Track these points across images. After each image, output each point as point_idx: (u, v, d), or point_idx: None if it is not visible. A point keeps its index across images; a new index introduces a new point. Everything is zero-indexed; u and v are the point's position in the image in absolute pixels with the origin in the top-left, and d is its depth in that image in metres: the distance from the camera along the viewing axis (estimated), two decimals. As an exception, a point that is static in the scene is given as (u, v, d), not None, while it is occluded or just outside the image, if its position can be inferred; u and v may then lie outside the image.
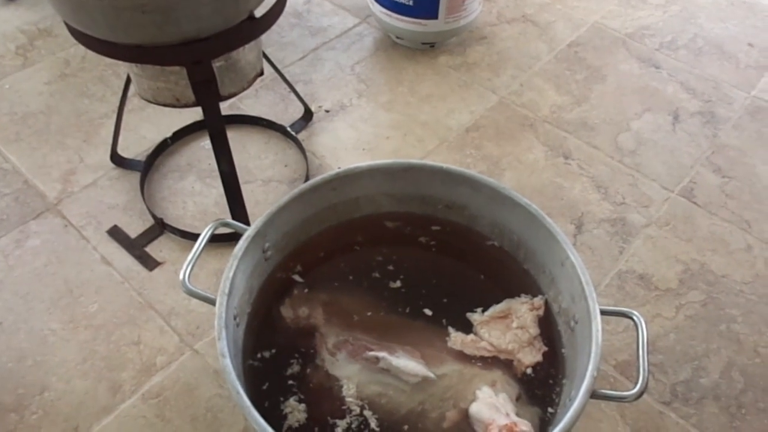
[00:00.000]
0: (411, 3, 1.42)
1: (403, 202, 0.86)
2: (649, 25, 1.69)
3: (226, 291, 0.67)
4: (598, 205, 1.27)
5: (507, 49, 1.60)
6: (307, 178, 1.26)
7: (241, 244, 0.71)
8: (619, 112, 1.46)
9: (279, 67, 1.47)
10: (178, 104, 0.99)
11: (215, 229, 0.73)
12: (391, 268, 0.83)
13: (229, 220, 0.76)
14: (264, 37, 1.01)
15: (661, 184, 1.31)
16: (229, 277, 0.68)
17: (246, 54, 0.98)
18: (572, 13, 1.71)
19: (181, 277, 0.69)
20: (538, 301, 0.79)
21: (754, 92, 1.53)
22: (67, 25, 0.88)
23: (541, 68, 1.55)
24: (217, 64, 0.93)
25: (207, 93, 0.94)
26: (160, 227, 1.18)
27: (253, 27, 0.90)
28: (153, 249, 1.16)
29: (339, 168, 0.88)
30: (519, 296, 0.81)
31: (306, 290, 0.81)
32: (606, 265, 1.17)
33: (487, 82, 1.51)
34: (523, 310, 0.78)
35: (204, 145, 1.34)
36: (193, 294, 0.69)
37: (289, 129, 1.34)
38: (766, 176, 1.34)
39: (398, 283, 0.81)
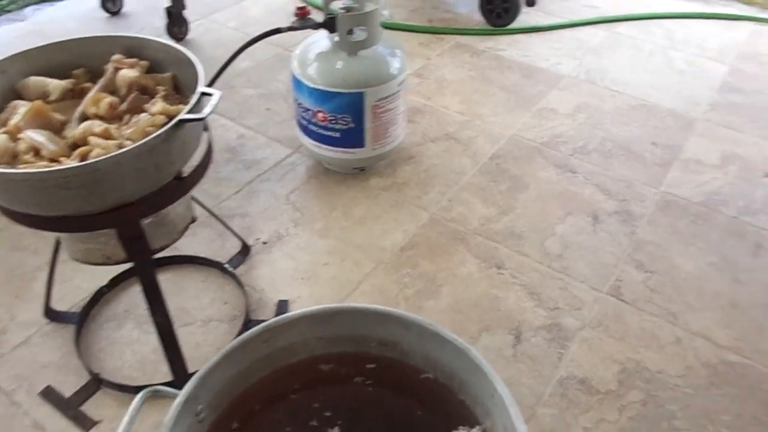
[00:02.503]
0: (338, 135, 1.51)
1: (336, 343, 0.87)
2: (562, 133, 1.84)
3: (157, 467, 0.66)
4: (533, 312, 1.31)
5: (434, 166, 1.69)
6: (246, 315, 1.26)
7: (172, 413, 0.71)
8: (543, 218, 1.55)
9: (215, 202, 1.51)
10: (109, 262, 1.00)
11: (144, 400, 0.72)
12: (328, 414, 0.82)
13: (160, 386, 0.76)
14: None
15: (589, 285, 1.38)
16: (159, 451, 0.67)
17: (175, 207, 1.01)
18: (491, 128, 1.84)
19: (109, 456, 0.67)
20: (476, 432, 0.80)
21: (663, 188, 1.65)
22: (-7, 199, 0.89)
23: (467, 182, 1.65)
24: (146, 221, 0.96)
25: (137, 250, 0.96)
26: (96, 383, 1.14)
27: (181, 186, 0.94)
28: (89, 407, 1.12)
29: (277, 302, 0.89)
30: (457, 429, 0.81)
31: (244, 448, 0.79)
32: (547, 373, 1.20)
33: (418, 200, 1.58)
34: (462, 444, 0.79)
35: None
36: (123, 474, 0.67)
37: (226, 265, 1.35)
38: (684, 268, 1.43)
39: (336, 430, 0.81)
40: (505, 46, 2.25)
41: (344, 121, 1.48)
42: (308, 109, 1.50)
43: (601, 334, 1.28)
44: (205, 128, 1.01)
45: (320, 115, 1.48)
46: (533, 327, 1.28)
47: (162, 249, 1.02)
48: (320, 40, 1.51)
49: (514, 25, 2.34)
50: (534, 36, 2.33)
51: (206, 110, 0.86)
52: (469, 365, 0.80)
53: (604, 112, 1.93)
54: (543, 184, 1.65)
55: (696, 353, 1.24)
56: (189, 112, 0.87)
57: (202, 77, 0.92)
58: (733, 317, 1.32)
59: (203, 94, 0.89)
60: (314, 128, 1.52)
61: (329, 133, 1.51)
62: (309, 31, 1.47)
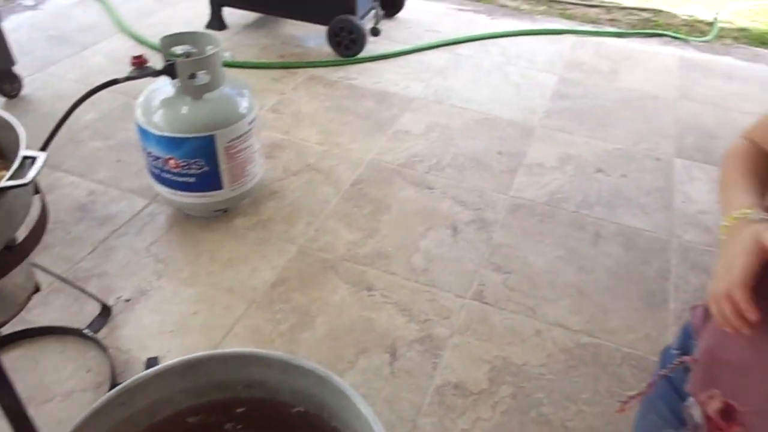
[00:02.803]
0: (193, 180, 1.48)
1: (201, 393, 0.86)
2: (417, 152, 1.93)
3: None
4: (405, 328, 1.36)
5: (298, 199, 1.72)
6: (113, 379, 1.20)
7: (19, 501, 0.66)
8: (407, 235, 1.61)
9: (68, 265, 1.43)
10: (-61, 349, 0.91)
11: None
12: (199, 467, 0.81)
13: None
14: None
15: (455, 294, 1.46)
16: None
17: (12, 279, 0.95)
18: (349, 155, 1.90)
19: None
20: (350, 456, 0.82)
21: (511, 193, 1.79)
22: None
23: (331, 211, 1.68)
24: (-22, 298, 0.89)
25: (-29, 331, 0.88)
26: (-59, 485, 1.03)
27: (13, 255, 0.89)
28: None
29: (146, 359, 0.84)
30: (332, 456, 0.83)
31: None
32: (424, 384, 1.25)
33: (284, 235, 1.59)
34: (338, 470, 0.80)
35: (-10, 371, 1.22)
36: None
37: (86, 331, 1.28)
38: (537, 264, 1.55)
39: (210, 482, 0.80)
40: (357, 74, 2.34)
41: (198, 166, 1.46)
42: (158, 157, 1.47)
43: (470, 338, 1.35)
44: (37, 191, 0.96)
45: (172, 162, 1.46)
46: (407, 342, 1.33)
47: (1, 326, 0.95)
48: (163, 86, 1.49)
49: (364, 54, 2.44)
50: (383, 63, 2.44)
51: (30, 174, 0.82)
52: (334, 391, 0.82)
53: (454, 129, 2.06)
54: (404, 203, 1.72)
55: (554, 341, 1.35)
56: (11, 177, 0.82)
57: (24, 140, 0.88)
58: (582, 303, 1.45)
59: (26, 158, 0.85)
60: (168, 176, 1.49)
61: (184, 179, 1.48)
62: (151, 78, 1.45)
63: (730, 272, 0.56)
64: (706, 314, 0.66)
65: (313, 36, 2.56)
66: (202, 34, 1.48)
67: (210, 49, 1.45)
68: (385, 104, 2.17)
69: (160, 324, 1.34)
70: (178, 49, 1.45)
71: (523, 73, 2.43)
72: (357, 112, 2.12)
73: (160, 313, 1.36)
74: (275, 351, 0.86)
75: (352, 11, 2.36)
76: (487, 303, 1.44)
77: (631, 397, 0.73)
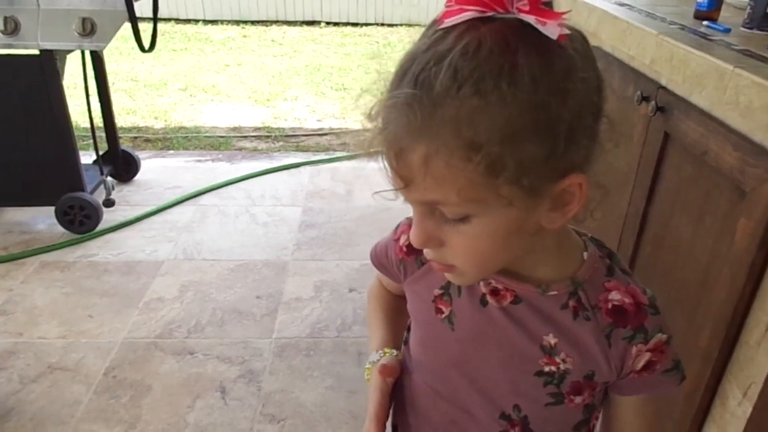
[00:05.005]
0: None
1: None
2: (173, 318, 1.89)
3: None
4: None
5: (41, 409, 1.54)
6: None
7: None
8: (174, 413, 1.54)
9: None
10: None
11: None
12: None
13: None
14: None
15: (232, 461, 1.42)
16: None
17: None
18: (98, 340, 1.78)
19: None
20: None
21: (275, 335, 1.84)
22: None
23: (84, 411, 1.54)
24: None
25: None
26: None
27: None
28: None
29: None
30: None
31: None
32: None
33: (29, 458, 1.41)
34: None
35: None
36: None
37: None
38: (309, 401, 1.59)
39: None
40: (97, 249, 2.24)
41: None
42: None
43: (254, 505, 1.32)
44: None
45: None
46: None
47: None
48: None
49: (102, 226, 2.36)
50: (125, 230, 2.38)
51: None
52: None
53: (209, 284, 2.07)
54: (165, 378, 1.66)
55: (337, 477, 1.38)
56: None
57: None
58: (356, 428, 1.51)
59: None
60: None
61: None
62: None
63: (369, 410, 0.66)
64: None
65: (41, 218, 2.40)
66: None
67: None
68: (132, 275, 2.10)
69: None
70: None
71: (269, 211, 2.57)
72: (101, 290, 2.01)
73: None
74: None
75: (81, 188, 2.29)
76: (266, 460, 1.42)
77: None
